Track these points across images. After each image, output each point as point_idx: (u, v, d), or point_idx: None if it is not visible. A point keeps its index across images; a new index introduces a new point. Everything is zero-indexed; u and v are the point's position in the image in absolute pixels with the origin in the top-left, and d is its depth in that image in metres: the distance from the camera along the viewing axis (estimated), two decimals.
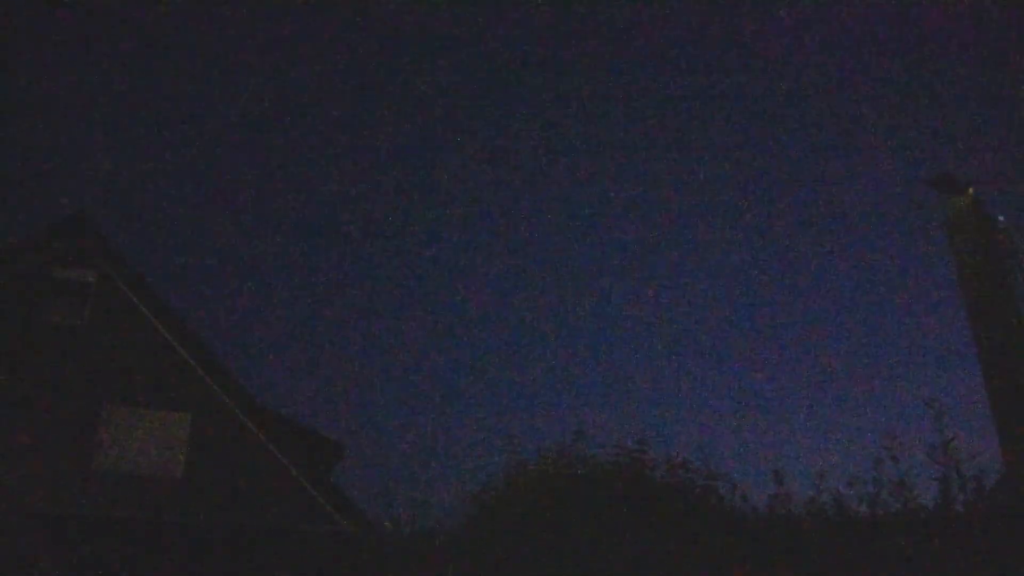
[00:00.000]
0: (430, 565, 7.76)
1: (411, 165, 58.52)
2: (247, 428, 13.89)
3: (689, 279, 54.85)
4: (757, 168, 54.03)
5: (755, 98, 55.80)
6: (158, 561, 10.99)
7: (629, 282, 57.99)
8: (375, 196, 59.52)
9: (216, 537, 12.37)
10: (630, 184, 55.30)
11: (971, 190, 10.46)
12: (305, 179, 58.87)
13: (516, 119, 57.64)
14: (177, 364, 13.97)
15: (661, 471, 8.06)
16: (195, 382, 13.94)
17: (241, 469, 13.64)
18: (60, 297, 13.97)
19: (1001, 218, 10.52)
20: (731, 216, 54.64)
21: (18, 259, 13.91)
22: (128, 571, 10.67)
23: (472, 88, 59.80)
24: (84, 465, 12.87)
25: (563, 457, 8.21)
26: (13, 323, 13.50)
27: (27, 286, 13.82)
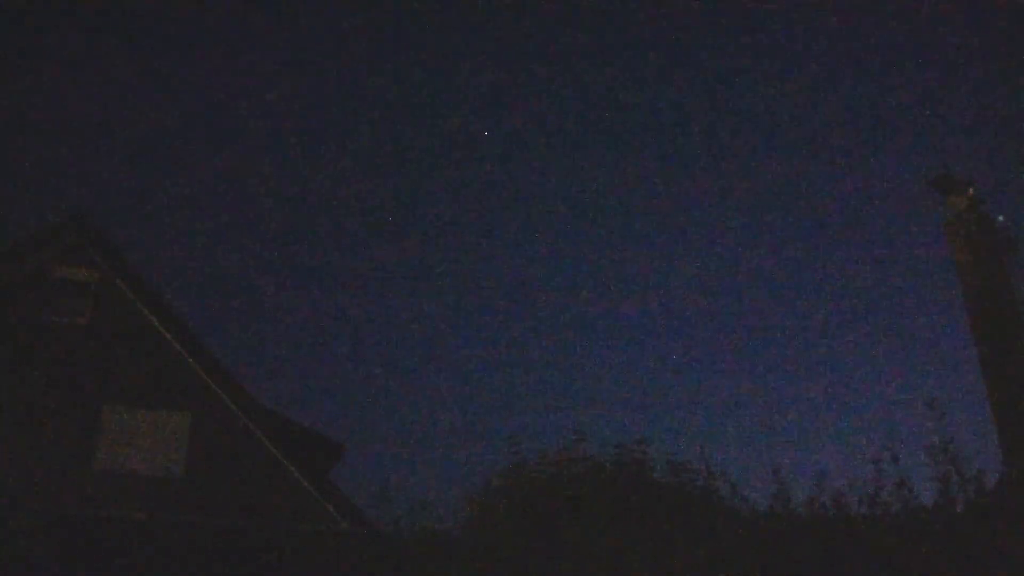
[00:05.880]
0: (430, 565, 7.76)
1: (412, 165, 58.57)
2: (247, 428, 13.87)
3: (689, 279, 54.89)
4: (757, 168, 54.07)
5: (754, 98, 55.85)
6: (158, 561, 10.98)
7: (629, 282, 58.02)
8: (377, 196, 59.57)
9: (216, 537, 12.36)
10: (630, 184, 55.35)
11: (971, 190, 10.47)
12: (306, 178, 58.92)
13: (519, 118, 57.72)
14: (177, 364, 13.96)
15: (661, 471, 8.06)
16: (195, 382, 13.93)
17: (241, 469, 13.63)
18: (60, 297, 13.96)
19: (1001, 218, 10.54)
20: (731, 216, 54.69)
21: (18, 259, 13.90)
22: (128, 571, 10.66)
23: (475, 87, 59.85)
24: (84, 465, 12.87)
25: (564, 457, 8.20)
26: (13, 323, 13.49)
27: (27, 286, 13.82)
